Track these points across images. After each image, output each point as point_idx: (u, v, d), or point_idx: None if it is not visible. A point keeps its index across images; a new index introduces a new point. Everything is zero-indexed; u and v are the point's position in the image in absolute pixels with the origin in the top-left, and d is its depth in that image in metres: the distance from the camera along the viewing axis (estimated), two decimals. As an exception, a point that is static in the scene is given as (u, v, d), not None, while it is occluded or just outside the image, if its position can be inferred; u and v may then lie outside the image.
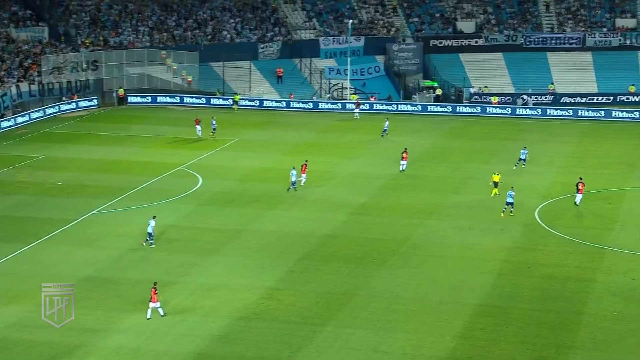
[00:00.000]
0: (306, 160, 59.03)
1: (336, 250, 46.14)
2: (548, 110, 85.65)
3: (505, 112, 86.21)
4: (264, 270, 43.06)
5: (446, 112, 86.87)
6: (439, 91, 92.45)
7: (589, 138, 74.90)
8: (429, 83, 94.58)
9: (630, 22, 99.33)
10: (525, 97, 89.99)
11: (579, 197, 53.44)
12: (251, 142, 72.03)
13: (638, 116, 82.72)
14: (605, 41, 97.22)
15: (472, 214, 52.61)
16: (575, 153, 68.88)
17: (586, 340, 35.45)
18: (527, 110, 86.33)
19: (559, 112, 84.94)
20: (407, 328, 36.71)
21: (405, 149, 63.23)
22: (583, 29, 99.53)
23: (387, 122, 74.44)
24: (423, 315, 37.86)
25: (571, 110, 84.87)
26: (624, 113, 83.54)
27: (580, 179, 54.22)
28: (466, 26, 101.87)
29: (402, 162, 62.14)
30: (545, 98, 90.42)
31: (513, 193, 52.28)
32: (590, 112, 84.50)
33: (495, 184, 56.14)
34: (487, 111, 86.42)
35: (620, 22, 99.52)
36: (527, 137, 74.80)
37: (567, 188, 56.32)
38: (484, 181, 59.86)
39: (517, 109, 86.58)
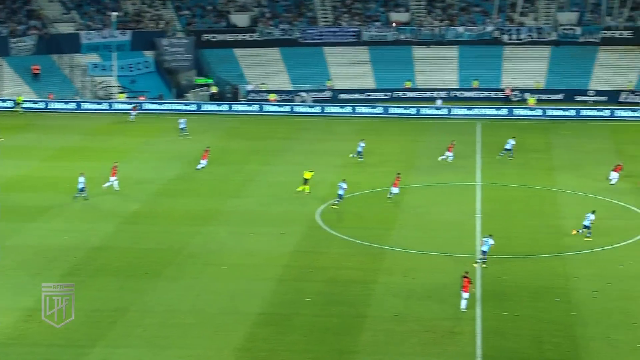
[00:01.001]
0: (115, 162, 58.31)
1: (106, 264, 45.06)
2: (327, 107, 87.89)
3: (284, 109, 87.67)
4: (22, 289, 41.31)
5: (222, 110, 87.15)
6: (214, 89, 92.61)
7: (368, 135, 77.37)
8: (203, 80, 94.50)
9: (403, 16, 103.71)
10: (303, 93, 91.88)
11: (393, 191, 55.76)
12: (6, 149, 69.02)
13: (415, 112, 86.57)
14: (381, 36, 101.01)
15: (252, 218, 53.01)
16: (355, 151, 70.97)
17: (368, 344, 36.56)
18: (306, 107, 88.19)
19: (338, 109, 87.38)
20: (184, 344, 36.40)
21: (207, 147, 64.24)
22: (359, 23, 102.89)
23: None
24: (201, 329, 37.69)
25: (350, 107, 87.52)
26: (401, 109, 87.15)
27: (398, 173, 56.80)
28: (240, 20, 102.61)
29: (202, 162, 62.87)
30: (324, 94, 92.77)
31: (345, 186, 54.44)
32: (368, 108, 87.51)
33: (305, 181, 57.03)
34: (265, 109, 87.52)
35: (394, 16, 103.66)
36: (307, 136, 76.45)
37: (348, 188, 57.90)
38: (265, 183, 60.61)
39: (296, 107, 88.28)
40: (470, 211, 54.39)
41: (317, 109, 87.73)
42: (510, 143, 68.26)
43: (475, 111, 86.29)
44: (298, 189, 57.18)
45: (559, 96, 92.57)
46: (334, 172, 61.63)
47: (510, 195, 58.42)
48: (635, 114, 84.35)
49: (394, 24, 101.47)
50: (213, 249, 47.72)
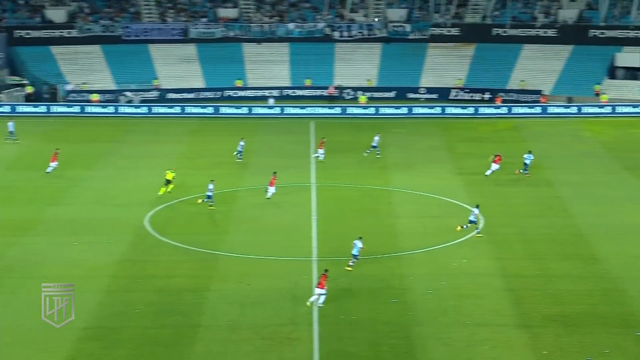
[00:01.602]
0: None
1: None
2: (154, 107, 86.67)
3: (108, 111, 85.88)
4: None
5: (39, 112, 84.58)
6: (29, 89, 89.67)
7: (199, 136, 76.86)
8: (16, 80, 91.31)
9: (231, 12, 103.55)
10: (128, 93, 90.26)
11: (270, 190, 56.22)
12: None
13: (247, 112, 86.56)
14: (209, 33, 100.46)
15: (76, 226, 51.62)
16: (185, 153, 70.30)
17: (202, 355, 36.17)
18: (132, 108, 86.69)
19: (166, 110, 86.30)
20: (4, 364, 35.07)
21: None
22: (185, 19, 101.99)
23: None
24: (20, 348, 36.32)
25: (179, 107, 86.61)
26: (233, 109, 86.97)
27: (274, 172, 57.25)
28: (56, 15, 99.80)
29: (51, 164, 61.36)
30: (151, 94, 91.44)
31: (212, 187, 54.49)
32: (198, 108, 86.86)
33: (168, 182, 56.40)
34: (87, 110, 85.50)
35: (222, 12, 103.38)
36: (133, 138, 75.15)
37: (179, 192, 57.18)
38: (89, 189, 59.16)
39: (121, 107, 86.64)
40: (306, 213, 54.74)
41: (144, 109, 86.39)
42: (375, 140, 69.16)
43: (309, 110, 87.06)
44: (160, 193, 56.24)
45: (391, 94, 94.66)
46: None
47: (345, 195, 59.18)
48: (465, 111, 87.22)
49: (220, 21, 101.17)
50: (33, 261, 46.13)
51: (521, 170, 62.93)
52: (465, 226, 50.60)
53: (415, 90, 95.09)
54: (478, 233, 50.38)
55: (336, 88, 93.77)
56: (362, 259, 45.35)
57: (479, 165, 64.43)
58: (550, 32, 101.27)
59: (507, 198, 58.45)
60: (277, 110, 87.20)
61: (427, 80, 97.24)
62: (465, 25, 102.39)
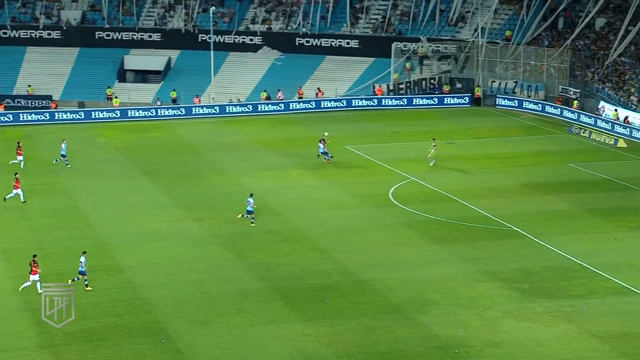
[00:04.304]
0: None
1: None
2: None
3: None
4: None
5: None
6: None
7: None
8: None
9: None
10: None
11: (15, 192, 58.10)
12: None
13: None
14: None
15: None
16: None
17: None
18: None
19: None
20: None
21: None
22: None
23: None
24: None
25: None
26: None
27: (16, 173, 59.74)
28: None
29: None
30: None
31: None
32: None
33: None
34: None
35: None
36: None
37: None
38: None
39: None
40: None
41: None
42: (63, 148, 69.11)
43: None
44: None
45: None
46: None
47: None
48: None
49: None
50: None
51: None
52: (244, 215, 55.07)
53: None
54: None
55: None
56: None
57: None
58: (55, 34, 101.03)
59: (23, 211, 57.40)
60: None
61: None
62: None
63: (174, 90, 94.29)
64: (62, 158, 69.21)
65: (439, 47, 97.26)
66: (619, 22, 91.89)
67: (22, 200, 58.95)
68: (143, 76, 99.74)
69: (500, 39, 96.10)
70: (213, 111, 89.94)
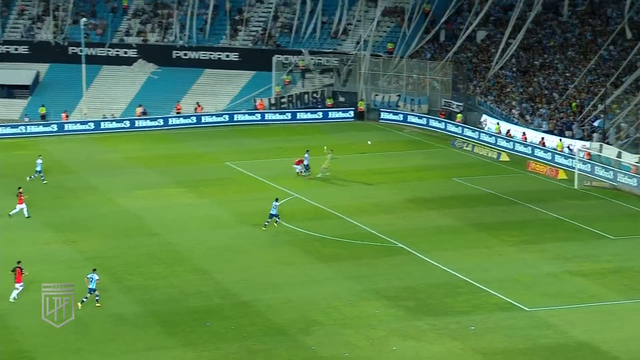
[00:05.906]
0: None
1: None
2: None
3: None
4: None
5: None
6: None
7: None
8: None
9: None
10: None
11: (19, 208, 59.10)
12: None
13: None
14: None
15: None
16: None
17: None
18: None
19: None
20: None
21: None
22: None
23: None
24: None
25: None
26: None
27: (20, 188, 60.09)
28: None
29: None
30: None
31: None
32: None
33: None
34: None
35: None
36: None
37: None
38: None
39: None
40: None
41: None
42: (39, 164, 69.22)
43: None
44: None
45: None
46: None
47: None
48: None
49: None
50: None
51: None
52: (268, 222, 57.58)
53: None
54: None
55: None
56: None
57: None
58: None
59: None
60: None
61: None
62: None
63: (42, 106, 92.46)
64: (36, 174, 69.12)
65: (320, 60, 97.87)
66: (499, 35, 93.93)
67: (27, 216, 59.45)
68: (9, 91, 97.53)
69: (383, 52, 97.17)
70: (87, 127, 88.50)
